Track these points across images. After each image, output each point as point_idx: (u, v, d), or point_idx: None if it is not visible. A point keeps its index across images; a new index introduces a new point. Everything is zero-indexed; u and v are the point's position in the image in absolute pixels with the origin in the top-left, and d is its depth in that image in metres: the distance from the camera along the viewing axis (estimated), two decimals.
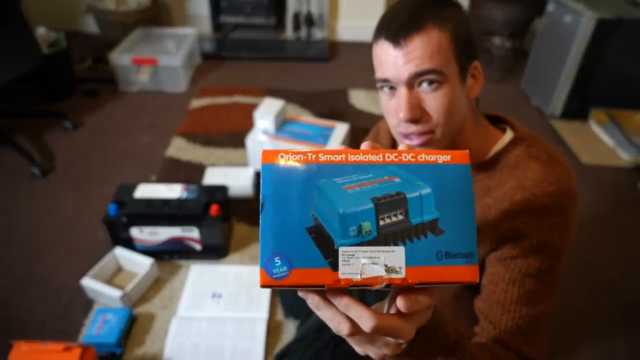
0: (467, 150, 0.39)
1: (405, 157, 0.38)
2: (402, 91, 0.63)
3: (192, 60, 2.77)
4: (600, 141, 2.18)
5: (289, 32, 3.21)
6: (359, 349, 0.44)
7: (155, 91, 2.52)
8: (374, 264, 0.37)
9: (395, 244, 0.37)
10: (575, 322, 1.35)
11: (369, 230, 0.37)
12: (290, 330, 1.28)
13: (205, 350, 1.22)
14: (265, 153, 0.38)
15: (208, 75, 2.73)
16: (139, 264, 1.40)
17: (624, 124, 2.19)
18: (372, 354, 0.44)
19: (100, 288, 1.31)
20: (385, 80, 0.65)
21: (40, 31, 2.23)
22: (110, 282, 1.41)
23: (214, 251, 1.48)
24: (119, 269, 1.46)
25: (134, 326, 1.29)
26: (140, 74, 2.46)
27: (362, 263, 0.36)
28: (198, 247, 1.46)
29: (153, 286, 1.41)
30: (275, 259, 0.36)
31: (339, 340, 0.95)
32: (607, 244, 1.63)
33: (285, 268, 0.36)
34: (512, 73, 2.75)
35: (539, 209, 0.66)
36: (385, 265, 0.37)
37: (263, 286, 0.36)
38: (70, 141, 2.09)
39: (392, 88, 0.65)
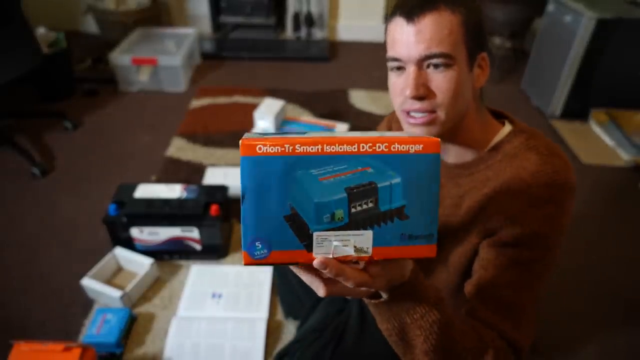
0: (438, 139, 0.41)
1: (379, 147, 0.40)
2: (411, 69, 0.65)
3: (192, 60, 2.77)
4: (600, 141, 2.18)
5: (289, 32, 3.21)
6: None
7: (155, 91, 2.52)
8: (345, 245, 0.41)
9: (365, 229, 0.41)
10: (575, 322, 1.35)
11: (341, 217, 0.40)
12: (290, 330, 1.28)
13: (205, 350, 1.22)
14: (244, 144, 0.39)
15: (208, 75, 2.73)
16: (139, 264, 1.40)
17: (624, 124, 2.19)
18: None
19: (100, 288, 1.31)
20: (396, 59, 0.67)
21: (40, 31, 2.23)
22: (110, 282, 1.41)
23: (214, 251, 1.48)
24: (119, 269, 1.46)
25: (134, 326, 1.29)
26: (140, 74, 2.46)
27: (334, 245, 0.41)
28: (198, 247, 1.46)
29: (153, 286, 1.41)
30: (257, 243, 0.41)
31: (338, 340, 0.95)
32: (607, 244, 1.63)
33: (265, 251, 0.41)
34: (512, 73, 2.76)
35: (535, 200, 0.67)
36: (355, 247, 0.41)
37: (246, 264, 0.41)
38: (70, 141, 2.09)
39: (400, 68, 0.67)
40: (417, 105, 0.66)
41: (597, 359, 1.27)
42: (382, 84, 2.63)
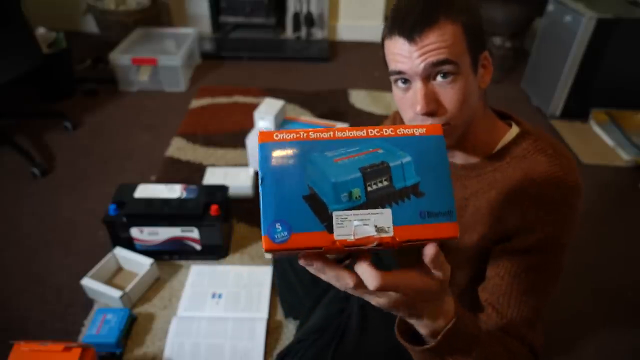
0: (440, 124, 0.44)
1: (386, 131, 0.43)
2: (418, 84, 0.64)
3: (192, 60, 2.77)
4: (600, 141, 2.18)
5: (288, 32, 3.21)
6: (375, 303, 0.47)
7: (155, 91, 2.52)
8: (365, 225, 0.41)
9: (383, 207, 0.41)
10: (575, 322, 1.35)
11: (359, 196, 0.41)
12: (290, 330, 1.28)
13: (205, 350, 1.22)
14: (262, 133, 0.42)
15: (208, 75, 2.73)
16: (139, 264, 1.40)
17: (624, 124, 2.19)
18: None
19: (100, 288, 1.31)
20: (400, 73, 0.65)
21: (40, 31, 2.23)
22: (110, 282, 1.41)
23: (214, 251, 1.48)
24: (119, 269, 1.46)
25: (134, 326, 1.28)
26: (140, 73, 2.45)
27: (355, 225, 0.40)
28: (198, 247, 1.46)
29: (153, 286, 1.41)
30: (277, 225, 0.40)
31: (340, 340, 0.95)
32: (607, 244, 1.63)
33: (285, 233, 0.40)
34: (512, 73, 2.75)
35: (547, 204, 0.67)
36: (375, 226, 0.41)
37: (267, 250, 0.40)
38: (70, 141, 2.09)
39: (406, 81, 0.66)
40: (429, 121, 0.65)
41: (597, 359, 1.27)
42: (382, 84, 2.63)
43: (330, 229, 0.40)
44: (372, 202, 0.41)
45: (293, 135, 0.42)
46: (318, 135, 0.42)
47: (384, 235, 0.41)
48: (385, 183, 0.42)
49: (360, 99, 2.50)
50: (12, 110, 2.27)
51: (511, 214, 0.69)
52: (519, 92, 2.58)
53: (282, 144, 0.42)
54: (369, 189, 0.41)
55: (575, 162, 0.71)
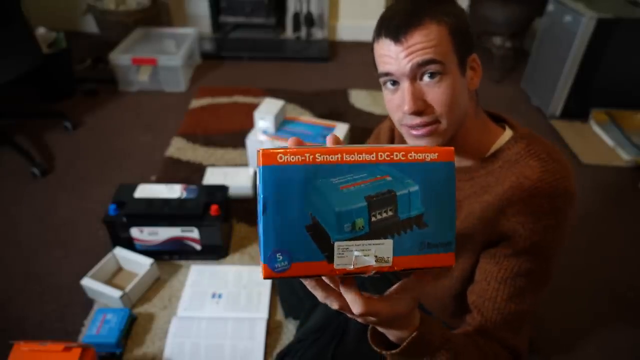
0: (452, 148, 0.42)
1: (397, 155, 0.41)
2: (405, 84, 0.65)
3: (192, 60, 2.77)
4: (600, 141, 2.18)
5: (288, 32, 3.21)
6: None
7: (155, 91, 2.52)
8: (366, 255, 0.40)
9: (385, 237, 0.41)
10: (575, 322, 1.35)
11: (362, 226, 0.40)
12: (290, 330, 1.28)
13: (205, 350, 1.22)
14: (264, 154, 0.38)
15: (208, 75, 2.73)
16: (139, 264, 1.40)
17: (624, 124, 2.19)
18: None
19: (100, 288, 1.31)
20: (388, 74, 0.66)
21: (40, 31, 2.23)
22: (110, 282, 1.41)
23: (214, 251, 1.48)
24: (119, 269, 1.45)
25: (133, 326, 1.28)
26: (140, 74, 2.45)
27: (355, 255, 0.40)
28: (198, 247, 1.46)
29: (153, 286, 1.41)
30: (277, 254, 0.39)
31: (340, 340, 0.95)
32: (607, 244, 1.63)
33: (286, 262, 0.39)
34: (512, 73, 2.75)
35: (536, 210, 0.67)
36: (375, 256, 0.41)
37: (266, 278, 0.39)
38: (70, 141, 2.09)
39: (394, 83, 0.67)
40: (417, 120, 0.66)
41: (597, 358, 1.27)
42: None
43: (330, 259, 0.40)
44: (374, 232, 0.40)
45: (298, 158, 0.39)
46: (325, 159, 0.39)
47: (383, 264, 0.41)
48: (390, 213, 0.41)
49: (360, 99, 2.50)
50: (12, 110, 2.27)
51: (501, 218, 0.69)
52: (519, 92, 2.58)
53: (285, 169, 0.38)
54: (373, 219, 0.40)
55: (571, 168, 0.70)
